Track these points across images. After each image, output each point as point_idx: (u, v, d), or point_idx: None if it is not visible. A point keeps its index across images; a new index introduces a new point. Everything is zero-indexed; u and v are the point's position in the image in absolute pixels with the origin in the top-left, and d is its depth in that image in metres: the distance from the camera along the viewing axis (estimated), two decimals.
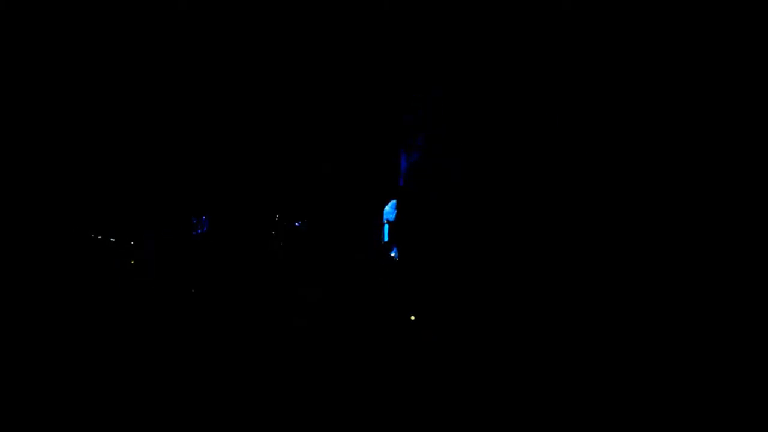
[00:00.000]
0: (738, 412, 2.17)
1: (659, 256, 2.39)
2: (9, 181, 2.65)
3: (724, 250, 2.31)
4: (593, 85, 2.49)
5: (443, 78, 2.64)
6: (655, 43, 2.42)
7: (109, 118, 2.81)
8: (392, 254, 2.63)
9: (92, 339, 2.70)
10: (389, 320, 2.66)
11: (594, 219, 2.47)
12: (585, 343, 2.42)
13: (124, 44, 2.77)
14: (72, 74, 2.77)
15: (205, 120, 2.84)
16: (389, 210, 2.61)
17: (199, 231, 2.83)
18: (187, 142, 2.86)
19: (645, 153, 2.43)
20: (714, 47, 2.35)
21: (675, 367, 2.30)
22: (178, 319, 2.80)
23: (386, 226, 2.65)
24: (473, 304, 2.56)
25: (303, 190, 2.77)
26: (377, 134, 2.71)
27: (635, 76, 2.45)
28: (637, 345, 2.36)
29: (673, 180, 2.39)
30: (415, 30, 2.63)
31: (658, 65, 2.42)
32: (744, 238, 2.29)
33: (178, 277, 2.86)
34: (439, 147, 2.59)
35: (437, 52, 2.64)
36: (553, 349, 2.44)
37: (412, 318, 2.59)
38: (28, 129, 2.74)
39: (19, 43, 2.70)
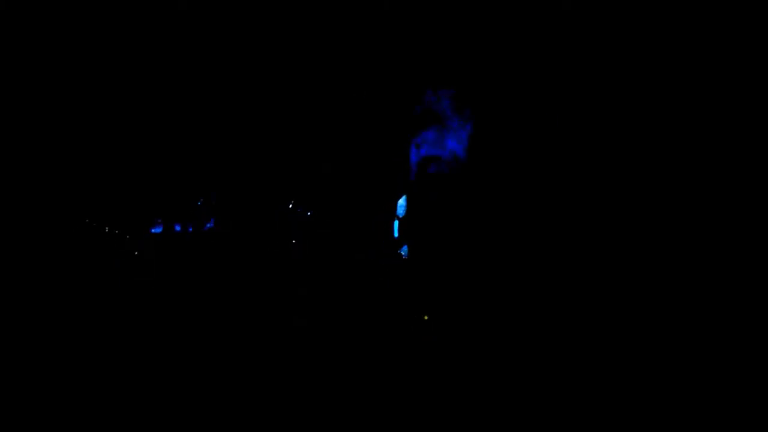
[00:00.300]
0: (738, 412, 2.17)
1: (661, 254, 2.39)
2: (5, 176, 2.65)
3: (724, 249, 2.31)
4: (593, 85, 2.49)
5: (451, 73, 2.64)
6: (655, 42, 2.42)
7: (109, 114, 2.81)
8: (402, 251, 2.61)
9: (91, 339, 2.70)
10: (391, 320, 2.65)
11: (599, 219, 2.47)
12: (598, 343, 2.42)
13: (125, 42, 2.77)
14: (71, 71, 2.77)
15: (206, 116, 2.84)
16: (402, 204, 2.59)
17: (198, 227, 2.82)
18: (187, 138, 2.86)
19: (645, 152, 2.43)
20: (714, 47, 2.35)
21: (678, 367, 2.30)
22: (178, 318, 2.80)
23: (396, 222, 2.63)
24: (482, 304, 2.56)
25: (307, 187, 2.77)
26: (387, 127, 2.70)
27: (635, 76, 2.45)
28: (646, 346, 2.36)
29: (673, 179, 2.39)
30: (421, 25, 2.63)
31: (659, 65, 2.42)
32: (745, 238, 2.29)
33: (178, 276, 2.86)
34: (452, 140, 2.58)
35: (443, 48, 2.64)
36: (563, 350, 2.44)
37: (423, 318, 2.58)
38: (27, 123, 2.74)
39: (19, 42, 2.70)
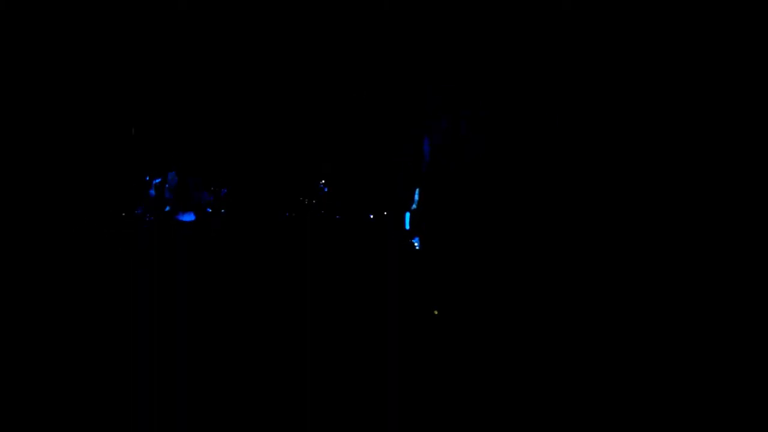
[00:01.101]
0: (738, 412, 2.17)
1: (661, 254, 2.39)
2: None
3: (725, 250, 2.31)
4: (593, 85, 2.50)
5: (460, 66, 2.63)
6: (655, 42, 2.42)
7: (116, 112, 2.82)
8: (414, 243, 2.59)
9: (88, 340, 2.70)
10: (400, 315, 2.65)
11: (602, 218, 2.47)
12: (604, 339, 2.42)
13: (127, 42, 2.77)
14: (69, 70, 2.77)
15: (213, 113, 2.84)
16: (415, 196, 2.57)
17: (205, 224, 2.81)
18: (191, 136, 2.86)
19: (645, 152, 2.43)
20: (715, 47, 2.35)
21: (682, 367, 2.30)
22: (178, 319, 2.80)
23: (408, 215, 2.61)
24: (493, 298, 2.56)
25: (319, 179, 2.76)
26: (399, 118, 2.69)
27: (636, 76, 2.46)
28: (650, 345, 2.37)
29: (674, 180, 2.40)
30: (431, 19, 2.63)
31: (659, 65, 2.43)
32: (745, 239, 2.29)
33: (179, 276, 2.86)
34: (466, 129, 2.55)
35: (453, 40, 2.63)
36: (573, 347, 2.44)
37: (433, 313, 2.57)
38: (31, 123, 2.74)
39: (19, 42, 2.70)
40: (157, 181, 2.74)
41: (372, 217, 2.70)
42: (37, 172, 2.74)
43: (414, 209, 2.59)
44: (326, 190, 2.62)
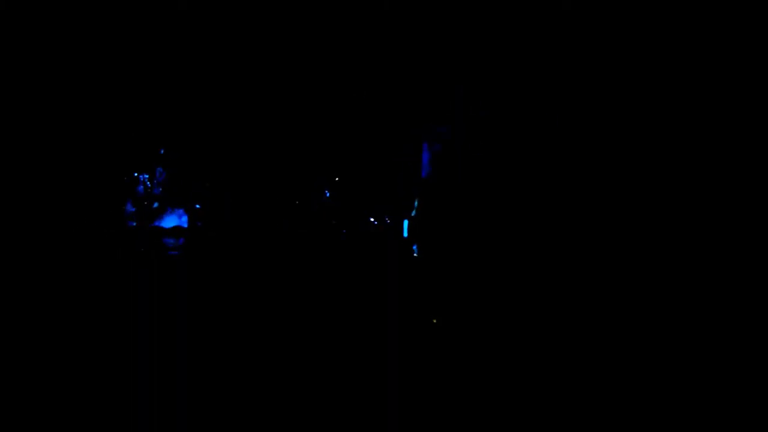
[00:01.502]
0: (738, 412, 2.17)
1: (660, 254, 2.39)
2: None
3: (723, 250, 2.31)
4: (593, 85, 2.50)
5: (461, 71, 2.63)
6: (655, 42, 2.42)
7: (111, 115, 2.81)
8: (413, 251, 2.59)
9: (86, 341, 2.70)
10: (400, 322, 2.65)
11: (603, 218, 2.47)
12: (603, 342, 2.42)
13: (127, 43, 2.77)
14: (69, 71, 2.77)
15: (215, 115, 2.84)
16: (414, 203, 2.57)
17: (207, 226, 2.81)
18: (191, 138, 2.86)
19: (644, 152, 2.43)
20: (714, 47, 2.35)
21: (679, 367, 2.30)
22: (177, 320, 2.79)
23: (406, 222, 2.61)
24: (493, 304, 2.56)
25: (318, 185, 2.76)
26: (398, 125, 2.69)
27: (635, 76, 2.46)
28: (648, 347, 2.36)
29: (673, 180, 2.40)
30: (431, 23, 2.63)
31: (659, 65, 2.42)
32: (744, 239, 2.29)
33: (179, 276, 2.85)
34: (466, 133, 2.55)
35: (452, 46, 2.63)
36: (574, 350, 2.44)
37: (432, 321, 2.58)
38: (32, 124, 2.74)
39: (19, 42, 2.70)
40: (145, 176, 2.73)
41: (372, 220, 2.70)
42: (35, 172, 2.74)
43: (413, 216, 2.59)
44: (328, 194, 2.62)
